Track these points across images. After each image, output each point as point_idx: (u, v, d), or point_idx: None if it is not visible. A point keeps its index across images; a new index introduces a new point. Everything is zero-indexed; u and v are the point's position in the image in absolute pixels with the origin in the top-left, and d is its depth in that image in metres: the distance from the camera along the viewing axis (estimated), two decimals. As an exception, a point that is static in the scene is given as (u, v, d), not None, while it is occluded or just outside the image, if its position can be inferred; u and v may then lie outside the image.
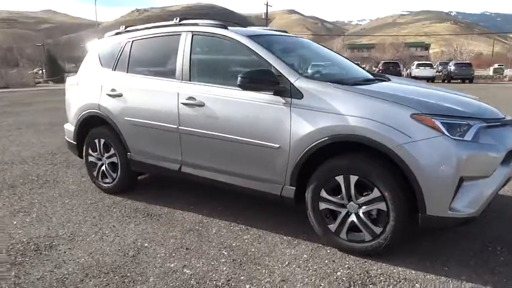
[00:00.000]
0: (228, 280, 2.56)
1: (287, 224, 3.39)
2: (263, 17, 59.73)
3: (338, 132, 2.69)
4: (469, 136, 2.52)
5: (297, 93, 2.89)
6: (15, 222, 3.54)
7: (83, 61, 4.52)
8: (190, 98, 3.38)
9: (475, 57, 67.90)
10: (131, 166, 3.99)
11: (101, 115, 4.05)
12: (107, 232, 3.32)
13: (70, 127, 4.49)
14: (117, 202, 4.00)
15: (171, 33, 3.78)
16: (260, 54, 3.14)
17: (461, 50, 63.54)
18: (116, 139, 4.01)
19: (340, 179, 2.76)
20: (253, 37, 3.33)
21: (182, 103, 3.42)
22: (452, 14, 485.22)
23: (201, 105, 3.31)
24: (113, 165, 4.16)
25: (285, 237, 3.16)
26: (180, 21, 3.79)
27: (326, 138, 2.72)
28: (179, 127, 3.46)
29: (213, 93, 3.29)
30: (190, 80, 3.48)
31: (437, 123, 2.48)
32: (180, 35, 3.63)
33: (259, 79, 2.93)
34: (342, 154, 2.78)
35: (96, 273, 2.66)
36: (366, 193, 2.72)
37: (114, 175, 4.15)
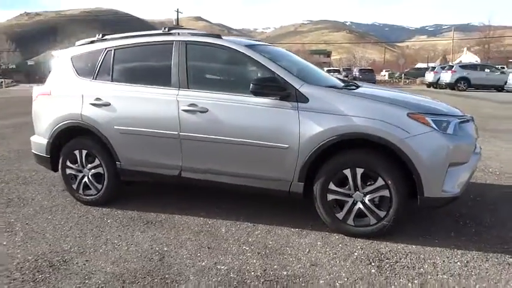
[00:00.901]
0: (265, 270, 2.78)
1: (288, 217, 3.69)
2: (172, 23, 59.07)
3: (345, 131, 3.08)
4: (450, 130, 3.08)
5: (303, 98, 3.22)
6: (4, 243, 3.32)
7: (52, 70, 4.33)
8: (191, 104, 3.51)
9: (371, 64, 74.97)
10: (121, 175, 3.95)
11: (83, 125, 3.94)
12: (116, 242, 3.29)
13: (40, 139, 4.26)
14: (106, 213, 3.93)
15: (160, 42, 3.86)
16: (262, 62, 3.42)
17: (360, 57, 69.65)
18: (101, 149, 3.94)
19: (347, 172, 3.15)
20: (249, 46, 3.59)
21: (183, 110, 3.53)
22: (347, 24, 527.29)
23: (204, 111, 3.47)
24: (96, 177, 4.06)
25: (293, 229, 3.45)
26: (168, 30, 3.89)
27: (335, 136, 3.09)
28: (180, 133, 3.56)
29: (216, 99, 3.47)
30: (188, 88, 3.60)
31: (429, 120, 3.01)
32: (172, 44, 3.73)
33: (270, 86, 3.21)
34: (348, 150, 3.17)
35: (132, 278, 2.69)
36: (369, 183, 3.14)
37: (99, 186, 4.06)
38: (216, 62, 3.86)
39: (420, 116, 3.03)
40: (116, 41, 4.08)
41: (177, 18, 54.64)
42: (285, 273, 2.74)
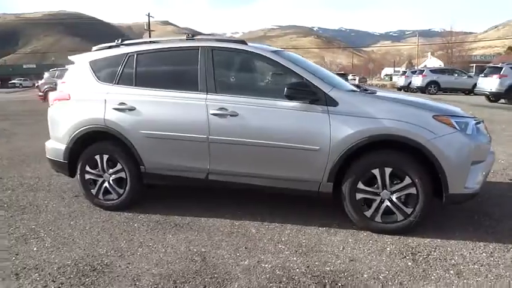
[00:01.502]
0: (308, 266, 2.91)
1: (312, 216, 3.83)
2: (140, 27, 58.29)
3: (375, 133, 3.26)
4: (469, 131, 3.32)
5: (332, 102, 3.38)
6: (35, 249, 3.29)
7: (69, 75, 4.30)
8: (221, 108, 3.60)
9: (341, 68, 76.74)
10: (145, 179, 3.98)
11: (106, 130, 3.95)
12: (150, 245, 3.33)
13: (58, 145, 4.22)
14: (130, 218, 3.94)
15: (185, 48, 3.93)
16: (291, 68, 3.56)
17: (330, 62, 71.13)
18: (124, 153, 3.96)
19: (376, 171, 3.32)
20: (275, 52, 3.73)
21: (212, 114, 3.62)
22: (315, 29, 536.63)
23: (234, 115, 3.56)
24: (118, 181, 4.07)
25: (320, 228, 3.59)
26: (192, 37, 3.97)
27: (365, 138, 3.27)
28: (209, 136, 3.64)
29: (245, 103, 3.58)
30: (216, 92, 3.69)
31: (453, 121, 3.23)
32: (198, 49, 3.81)
33: (302, 90, 3.36)
34: (376, 151, 3.35)
35: (182, 279, 2.75)
36: (396, 181, 3.33)
37: (120, 191, 4.06)
38: (242, 67, 3.96)
39: (445, 118, 3.25)
40: (137, 46, 4.11)
41: (149, 22, 54.10)
42: (328, 268, 2.88)
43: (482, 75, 17.71)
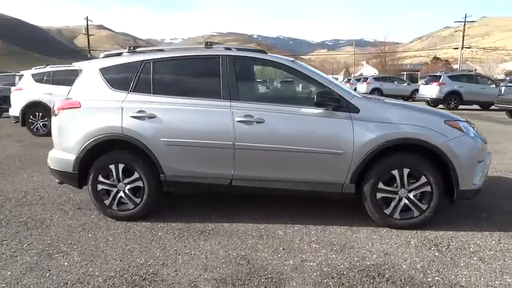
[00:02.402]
0: (350, 262, 3.12)
1: (330, 217, 4.04)
2: (68, 31, 55.87)
3: (395, 137, 3.57)
4: (471, 134, 3.74)
5: (354, 108, 3.65)
6: (66, 264, 3.18)
7: (79, 83, 4.17)
8: (247, 115, 3.72)
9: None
10: (165, 187, 3.97)
11: (124, 138, 3.89)
12: (188, 252, 3.35)
13: (65, 155, 4.06)
14: (150, 227, 3.90)
15: (205, 56, 4.00)
16: (313, 77, 3.79)
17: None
18: (142, 162, 3.92)
19: (395, 172, 3.63)
20: (294, 62, 3.93)
21: (238, 121, 3.72)
22: (254, 37, 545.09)
23: (261, 121, 3.70)
24: (134, 190, 4.01)
25: (342, 227, 3.83)
26: (211, 45, 4.05)
27: (386, 142, 3.56)
28: (235, 143, 3.73)
29: (271, 110, 3.73)
30: (239, 100, 3.80)
31: (461, 125, 3.63)
32: (219, 58, 3.90)
33: (330, 98, 3.58)
34: (395, 153, 3.65)
35: (239, 281, 2.84)
36: (412, 181, 3.66)
37: (137, 200, 4.01)
38: (264, 76, 4.11)
39: (455, 122, 3.64)
40: (152, 54, 4.10)
41: (87, 26, 51.89)
42: (368, 263, 3.11)
43: (424, 82, 19.22)
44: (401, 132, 3.57)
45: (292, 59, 4.33)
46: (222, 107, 3.79)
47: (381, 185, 3.67)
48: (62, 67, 11.04)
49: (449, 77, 18.23)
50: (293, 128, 3.71)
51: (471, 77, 19.23)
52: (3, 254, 3.37)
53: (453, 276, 2.88)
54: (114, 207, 4.04)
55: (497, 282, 2.81)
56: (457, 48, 53.03)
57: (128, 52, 4.23)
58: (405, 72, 57.86)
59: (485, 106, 17.97)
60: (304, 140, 3.68)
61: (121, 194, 4.03)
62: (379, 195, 3.69)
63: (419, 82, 29.81)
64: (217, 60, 3.90)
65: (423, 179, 3.62)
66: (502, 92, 13.80)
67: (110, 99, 3.99)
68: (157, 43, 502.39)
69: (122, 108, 3.91)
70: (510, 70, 57.14)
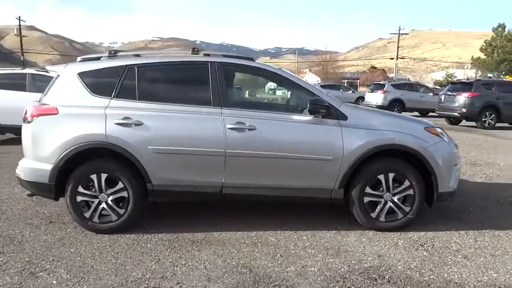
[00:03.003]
0: (348, 265, 3.22)
1: (315, 222, 4.11)
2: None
3: (382, 143, 3.75)
4: (446, 139, 4.02)
5: (342, 116, 3.78)
6: (54, 282, 2.97)
7: (55, 88, 3.91)
8: (239, 123, 3.71)
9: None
10: (152, 197, 3.84)
11: (108, 146, 3.71)
12: (184, 263, 3.26)
13: (40, 165, 3.78)
14: (136, 239, 3.73)
15: (192, 63, 3.94)
16: (303, 85, 3.87)
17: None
18: (127, 171, 3.77)
19: (381, 176, 3.80)
20: (281, 69, 4.00)
21: (229, 128, 3.70)
22: (197, 43, 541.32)
23: (252, 129, 3.71)
24: (118, 201, 3.84)
25: (331, 232, 3.92)
26: (197, 51, 4.00)
27: (373, 148, 3.73)
28: (227, 150, 3.71)
29: (262, 117, 3.76)
30: (229, 107, 3.79)
31: (439, 131, 3.89)
32: (207, 64, 3.86)
33: (321, 105, 3.68)
34: (380, 158, 3.82)
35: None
36: (396, 184, 3.85)
37: (121, 211, 3.84)
38: (252, 83, 4.11)
39: (433, 129, 3.90)
40: (136, 59, 3.96)
41: (20, 27, 48.65)
42: (366, 265, 3.22)
43: (369, 90, 20.25)
44: (388, 138, 3.76)
45: (277, 67, 4.39)
46: (212, 113, 3.75)
47: (368, 190, 3.82)
48: None
49: (392, 85, 19.40)
50: (284, 135, 3.76)
51: (412, 86, 20.60)
52: (-23, 275, 3.07)
53: (446, 274, 3.07)
54: (96, 219, 3.83)
55: (485, 277, 3.04)
56: (393, 58, 56.34)
57: (108, 56, 4.05)
58: (346, 80, 60.41)
59: (425, 113, 19.29)
60: (295, 147, 3.74)
61: (103, 205, 3.82)
62: (366, 199, 3.84)
63: (359, 90, 31.32)
64: (205, 67, 3.85)
65: (406, 183, 3.82)
66: (442, 100, 14.92)
67: (91, 105, 3.79)
68: (95, 47, 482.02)
69: (106, 114, 3.73)
70: (438, 79, 61.85)
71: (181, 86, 4.00)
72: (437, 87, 35.09)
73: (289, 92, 4.04)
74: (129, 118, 3.71)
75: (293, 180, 3.80)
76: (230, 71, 3.93)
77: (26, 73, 9.44)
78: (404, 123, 3.93)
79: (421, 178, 3.84)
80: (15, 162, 7.01)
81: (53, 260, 3.33)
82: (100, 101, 3.79)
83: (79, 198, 3.80)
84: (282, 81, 3.99)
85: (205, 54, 4.02)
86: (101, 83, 3.87)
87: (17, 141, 9.44)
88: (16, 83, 9.28)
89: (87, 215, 3.82)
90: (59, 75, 3.94)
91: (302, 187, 3.82)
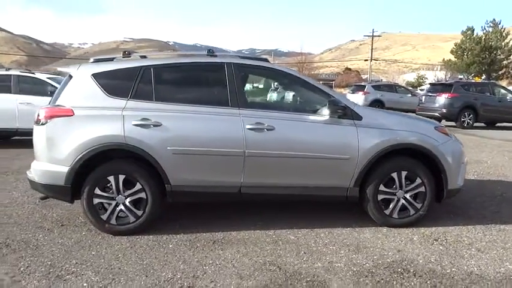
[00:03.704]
0: (372, 261, 3.32)
1: (328, 220, 4.21)
2: None
3: (396, 142, 3.89)
4: (454, 138, 4.21)
5: (357, 116, 3.90)
6: (85, 285, 2.95)
7: (69, 89, 3.85)
8: (258, 123, 3.77)
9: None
10: (170, 198, 3.84)
11: (127, 147, 3.69)
12: (211, 262, 3.29)
13: (56, 167, 3.72)
14: (156, 240, 3.71)
15: (208, 64, 3.97)
16: (318, 87, 3.96)
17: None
18: (145, 172, 3.76)
19: (394, 175, 3.94)
20: (296, 71, 4.08)
21: (248, 128, 3.75)
22: (171, 44, 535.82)
23: (271, 129, 3.78)
24: (136, 203, 3.82)
25: (346, 229, 4.02)
26: (213, 53, 4.03)
27: (388, 147, 3.86)
28: (246, 150, 3.75)
29: (280, 118, 3.83)
30: (248, 107, 3.84)
31: (447, 131, 4.07)
32: (223, 65, 3.90)
33: (339, 106, 3.78)
34: (394, 157, 3.95)
35: (284, 287, 2.87)
36: (407, 182, 4.00)
37: (139, 213, 3.82)
38: (269, 84, 4.17)
39: (442, 128, 4.07)
40: (152, 60, 3.97)
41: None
42: (389, 260, 3.34)
43: (350, 91, 20.63)
44: (402, 138, 3.90)
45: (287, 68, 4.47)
46: (230, 114, 3.79)
47: (382, 187, 3.95)
48: None
49: (372, 86, 19.88)
50: (302, 135, 3.84)
51: (391, 87, 21.16)
52: (1, 279, 3.00)
53: (465, 267, 3.22)
54: (113, 221, 3.80)
55: (502, 269, 3.20)
56: (367, 60, 57.50)
57: (123, 57, 4.02)
58: (321, 82, 60.91)
59: (403, 113, 19.79)
60: (313, 147, 3.83)
61: (120, 207, 3.79)
62: (380, 196, 3.97)
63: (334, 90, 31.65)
64: (221, 68, 3.89)
65: (418, 180, 3.97)
66: (423, 100, 15.41)
67: (107, 106, 3.76)
68: (64, 48, 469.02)
69: (123, 116, 3.71)
70: (410, 81, 63.57)
71: (198, 87, 4.02)
72: (409, 88, 36.06)
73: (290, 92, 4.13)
74: (147, 119, 3.71)
75: (310, 179, 3.89)
76: (247, 72, 3.98)
77: (10, 74, 9.15)
78: (416, 123, 4.09)
79: (431, 176, 4.00)
80: (6, 167, 6.86)
81: (76, 263, 3.29)
82: (117, 102, 3.77)
83: (96, 201, 3.76)
84: (297, 82, 4.07)
85: (209, 55, 4.04)
86: (116, 84, 3.85)
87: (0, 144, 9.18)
88: (0, 85, 8.99)
89: (104, 217, 3.78)
90: (72, 77, 3.88)
91: (319, 186, 3.91)
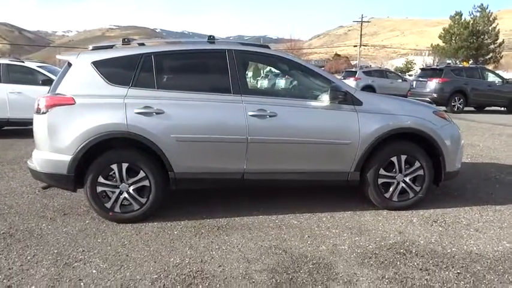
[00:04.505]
0: (375, 243, 3.40)
1: (328, 204, 4.27)
2: None
3: (396, 127, 3.95)
4: (452, 122, 4.28)
5: (358, 102, 3.94)
6: (94, 271, 2.97)
7: (68, 77, 3.81)
8: (260, 110, 3.79)
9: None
10: (173, 185, 3.86)
11: (130, 135, 3.69)
12: (218, 247, 3.33)
13: (58, 156, 3.71)
14: (161, 227, 3.74)
15: (210, 51, 3.96)
16: (320, 73, 3.99)
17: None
18: (148, 160, 3.77)
19: (394, 159, 4.01)
20: (297, 58, 4.10)
21: (251, 115, 3.77)
22: (158, 31, 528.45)
23: (273, 115, 3.80)
24: (139, 190, 3.83)
25: (347, 212, 4.09)
26: (213, 39, 4.02)
27: (387, 131, 3.92)
28: (248, 137, 3.78)
29: (282, 104, 3.86)
30: (250, 94, 3.86)
31: (445, 115, 4.14)
32: (225, 52, 3.89)
33: (341, 92, 3.81)
34: (393, 141, 4.02)
35: (290, 269, 2.94)
36: (407, 166, 4.07)
37: (143, 200, 3.84)
38: (271, 70, 4.18)
39: (441, 113, 4.14)
40: (153, 47, 3.94)
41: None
42: (391, 241, 3.43)
43: (341, 77, 20.67)
44: (402, 122, 3.96)
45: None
46: (233, 101, 3.80)
47: (382, 171, 4.02)
48: None
49: (363, 72, 19.97)
50: (304, 121, 3.88)
51: (382, 73, 21.28)
52: (9, 268, 3.01)
53: (465, 247, 3.32)
54: (117, 209, 3.81)
55: (500, 247, 3.31)
56: (356, 45, 57.54)
57: (123, 44, 3.99)
58: (311, 68, 60.62)
59: (394, 99, 19.95)
60: (315, 132, 3.87)
61: (124, 195, 3.81)
62: (380, 180, 4.04)
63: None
64: (222, 55, 3.88)
65: (417, 164, 4.05)
66: (414, 85, 15.55)
67: (108, 94, 3.74)
68: (48, 36, 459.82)
69: (125, 104, 3.70)
70: (399, 66, 63.92)
71: (199, 74, 4.02)
72: (398, 73, 36.33)
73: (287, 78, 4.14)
74: (149, 107, 3.70)
75: (312, 164, 3.94)
76: (248, 59, 3.98)
77: (0, 63, 8.98)
78: (416, 107, 4.15)
79: (429, 159, 4.08)
80: (3, 157, 6.79)
81: (83, 250, 3.31)
82: (118, 90, 3.75)
83: (99, 189, 3.77)
84: (298, 68, 4.09)
85: (210, 42, 4.03)
86: (117, 72, 3.82)
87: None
88: None
89: (108, 205, 3.79)
90: (71, 65, 3.84)
91: (321, 171, 3.97)
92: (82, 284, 2.79)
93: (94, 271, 2.97)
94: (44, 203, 4.49)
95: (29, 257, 3.19)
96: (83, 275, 2.91)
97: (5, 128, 9.37)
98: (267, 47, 4.12)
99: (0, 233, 3.68)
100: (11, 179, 5.53)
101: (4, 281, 2.82)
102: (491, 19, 46.62)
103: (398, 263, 3.04)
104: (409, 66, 62.08)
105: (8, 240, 3.52)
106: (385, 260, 3.10)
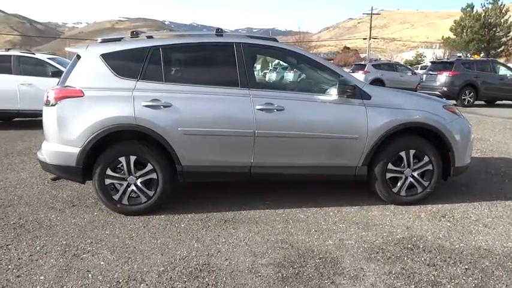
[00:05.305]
0: (382, 237, 3.39)
1: (338, 199, 4.27)
2: None
3: (405, 121, 3.90)
4: (462, 116, 4.23)
5: (366, 96, 3.90)
6: (102, 263, 3.00)
7: (77, 70, 3.82)
8: (268, 103, 3.77)
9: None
10: (181, 178, 3.87)
11: (137, 128, 3.70)
12: (224, 240, 3.35)
13: (67, 148, 3.74)
14: (168, 220, 3.77)
15: (218, 44, 3.94)
16: (329, 67, 3.96)
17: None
18: (156, 153, 3.78)
19: (403, 153, 3.98)
20: (306, 51, 4.06)
21: (259, 109, 3.76)
22: (166, 23, 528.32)
23: (281, 109, 3.78)
24: (147, 183, 3.85)
25: (354, 207, 4.07)
26: (221, 33, 4.00)
27: (396, 125, 3.88)
28: (256, 131, 3.77)
29: (290, 98, 3.84)
30: (258, 88, 3.84)
31: (455, 109, 4.08)
32: (233, 46, 3.87)
33: (349, 86, 3.78)
34: (402, 136, 3.98)
35: (297, 264, 2.95)
36: (415, 160, 4.04)
37: (150, 193, 3.86)
38: (279, 64, 4.16)
39: (451, 107, 4.08)
40: (161, 40, 3.94)
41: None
42: (398, 236, 3.41)
43: (350, 71, 20.53)
44: (411, 116, 3.92)
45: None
46: (240, 95, 3.79)
47: (390, 166, 3.99)
48: None
49: (373, 65, 19.78)
50: (312, 115, 3.85)
51: (391, 66, 21.07)
52: (19, 258, 3.06)
53: (474, 242, 3.30)
54: (125, 201, 3.84)
55: (509, 243, 3.28)
56: (365, 38, 56.98)
57: (131, 37, 3.99)
58: (320, 61, 60.19)
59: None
60: (323, 127, 3.85)
61: (132, 187, 3.83)
62: (388, 175, 4.01)
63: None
64: (231, 48, 3.86)
65: (426, 159, 4.01)
66: (424, 79, 15.38)
67: (117, 87, 3.75)
68: (58, 27, 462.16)
69: (133, 96, 3.71)
70: (409, 59, 63.18)
71: (207, 68, 4.00)
72: (409, 66, 35.97)
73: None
74: (157, 100, 3.70)
75: (319, 158, 3.92)
76: (256, 52, 3.95)
77: (11, 55, 9.05)
78: (425, 101, 4.10)
79: (438, 154, 4.04)
80: (10, 148, 6.87)
81: (91, 242, 3.34)
82: (126, 83, 3.75)
83: (107, 181, 3.80)
84: (307, 61, 4.06)
85: (218, 35, 4.01)
86: (125, 65, 3.83)
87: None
88: (1, 66, 8.91)
89: (116, 197, 3.82)
90: (80, 57, 3.85)
91: (328, 165, 3.95)
92: (90, 275, 2.82)
93: (102, 263, 3.00)
94: (54, 194, 4.54)
95: (38, 248, 3.24)
96: (91, 266, 2.94)
97: (15, 119, 9.47)
98: (275, 39, 4.09)
99: (11, 223, 3.73)
100: (21, 170, 5.59)
101: (14, 270, 2.86)
102: (503, 11, 45.74)
103: (405, 258, 3.03)
104: (419, 59, 61.37)
105: (18, 230, 3.57)
106: (392, 255, 3.08)
